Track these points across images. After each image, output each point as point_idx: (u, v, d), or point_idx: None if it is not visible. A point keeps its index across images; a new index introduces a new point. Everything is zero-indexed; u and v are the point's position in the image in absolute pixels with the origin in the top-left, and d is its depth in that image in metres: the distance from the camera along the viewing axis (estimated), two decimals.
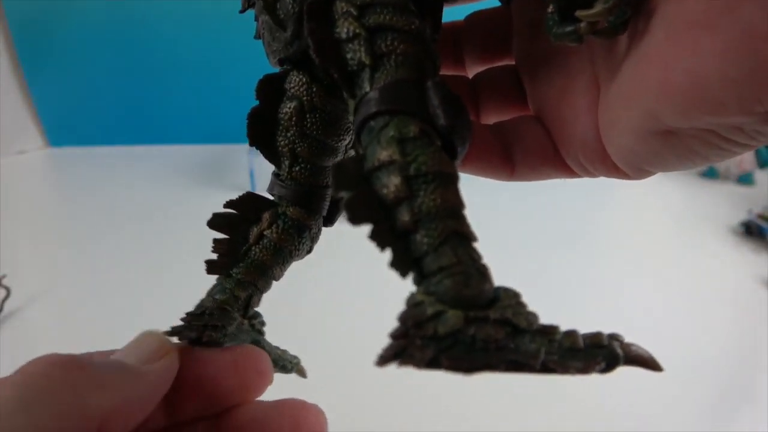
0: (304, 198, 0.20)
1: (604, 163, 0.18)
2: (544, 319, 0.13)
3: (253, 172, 0.87)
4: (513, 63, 0.22)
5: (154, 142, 1.16)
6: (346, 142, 0.20)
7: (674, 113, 0.14)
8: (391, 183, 0.13)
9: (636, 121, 0.15)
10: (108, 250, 0.72)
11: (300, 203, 0.20)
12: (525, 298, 0.13)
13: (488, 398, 0.47)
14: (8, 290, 0.58)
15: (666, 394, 0.48)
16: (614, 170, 0.18)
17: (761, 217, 0.77)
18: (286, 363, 0.23)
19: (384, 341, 0.13)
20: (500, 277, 0.14)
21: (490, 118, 0.22)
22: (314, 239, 0.21)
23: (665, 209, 0.92)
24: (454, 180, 0.14)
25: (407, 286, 0.20)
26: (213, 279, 0.22)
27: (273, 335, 0.23)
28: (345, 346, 0.51)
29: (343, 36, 0.15)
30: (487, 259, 0.25)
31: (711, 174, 1.03)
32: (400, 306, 0.13)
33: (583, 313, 0.58)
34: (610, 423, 0.45)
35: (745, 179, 0.99)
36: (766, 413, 0.46)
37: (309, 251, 0.21)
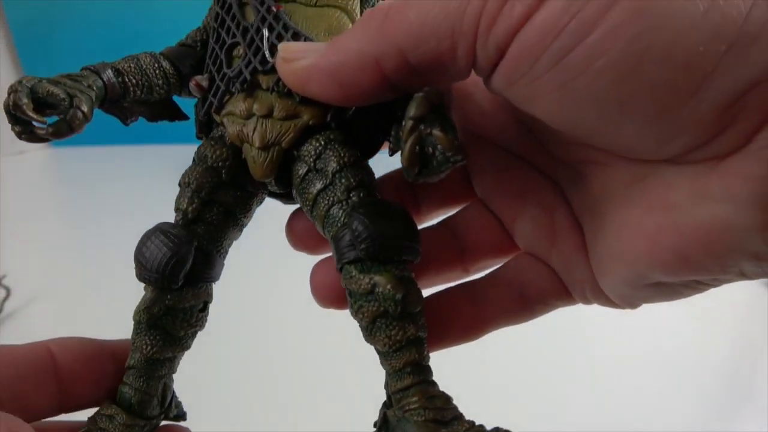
0: None
1: (607, 299, 0.19)
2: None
3: None
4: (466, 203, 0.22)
5: (154, 141, 1.15)
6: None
7: (662, 276, 0.16)
8: None
9: (627, 277, 0.17)
10: (108, 249, 0.72)
11: None
12: None
13: (487, 398, 0.47)
14: (8, 290, 0.58)
15: (666, 394, 0.48)
16: (614, 304, 0.19)
17: None
18: None
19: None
20: None
21: (477, 262, 0.22)
22: None
23: None
24: None
25: None
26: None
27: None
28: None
29: None
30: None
31: None
32: None
33: (584, 312, 0.58)
34: (610, 423, 0.45)
35: None
36: (766, 413, 0.46)
37: None
